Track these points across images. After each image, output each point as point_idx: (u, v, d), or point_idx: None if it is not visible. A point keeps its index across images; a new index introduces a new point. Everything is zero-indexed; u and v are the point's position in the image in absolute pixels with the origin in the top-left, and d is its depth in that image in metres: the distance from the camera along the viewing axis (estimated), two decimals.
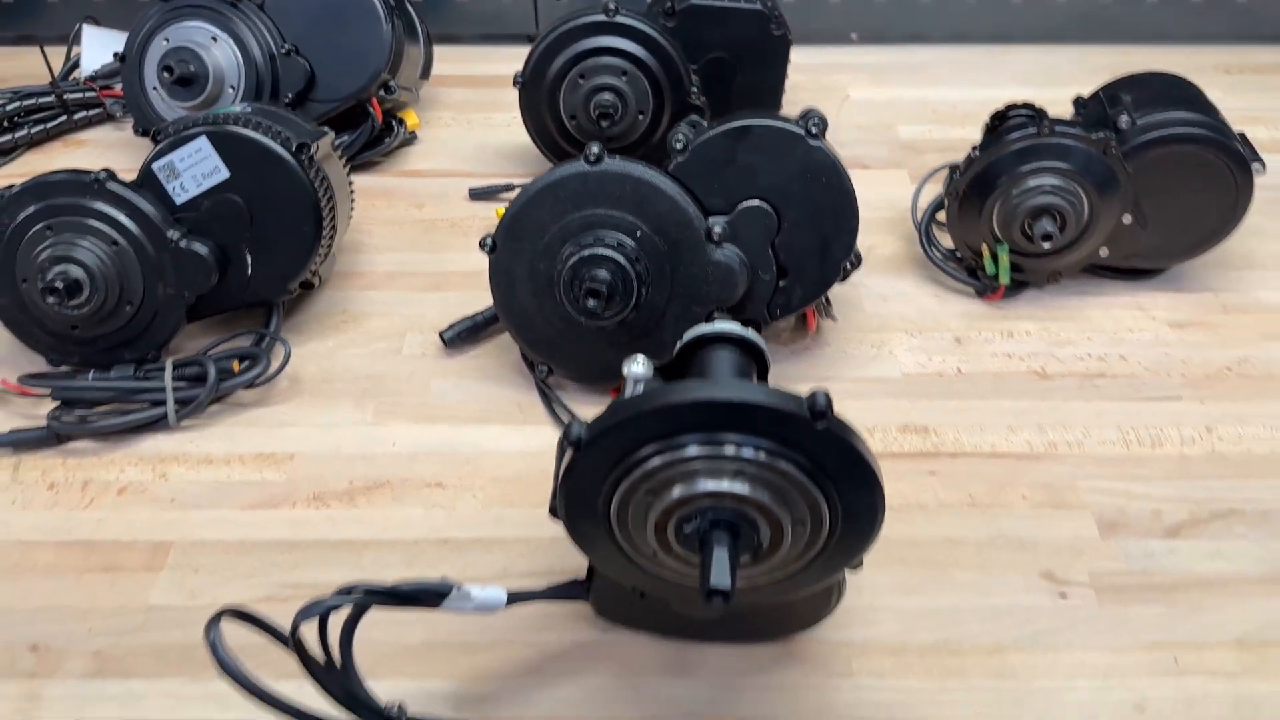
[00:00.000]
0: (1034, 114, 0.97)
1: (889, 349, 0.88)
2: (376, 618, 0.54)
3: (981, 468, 0.78)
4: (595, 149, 0.76)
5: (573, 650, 0.66)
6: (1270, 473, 0.77)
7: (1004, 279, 0.91)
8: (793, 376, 0.85)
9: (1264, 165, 0.86)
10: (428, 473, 0.77)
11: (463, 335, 0.87)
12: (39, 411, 0.81)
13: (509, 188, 1.04)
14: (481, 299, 0.89)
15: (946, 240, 0.95)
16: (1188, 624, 0.67)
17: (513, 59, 1.03)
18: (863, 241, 0.81)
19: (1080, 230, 0.87)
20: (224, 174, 0.80)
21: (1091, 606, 0.68)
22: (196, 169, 0.80)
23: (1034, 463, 0.78)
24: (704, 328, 0.64)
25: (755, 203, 0.78)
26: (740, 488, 0.53)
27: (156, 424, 0.80)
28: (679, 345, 0.64)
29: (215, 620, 0.52)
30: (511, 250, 0.79)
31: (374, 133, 1.05)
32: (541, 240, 0.78)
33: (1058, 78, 1.23)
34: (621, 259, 0.76)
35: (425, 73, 1.14)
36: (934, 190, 0.97)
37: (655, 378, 0.60)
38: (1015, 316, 0.92)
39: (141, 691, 0.64)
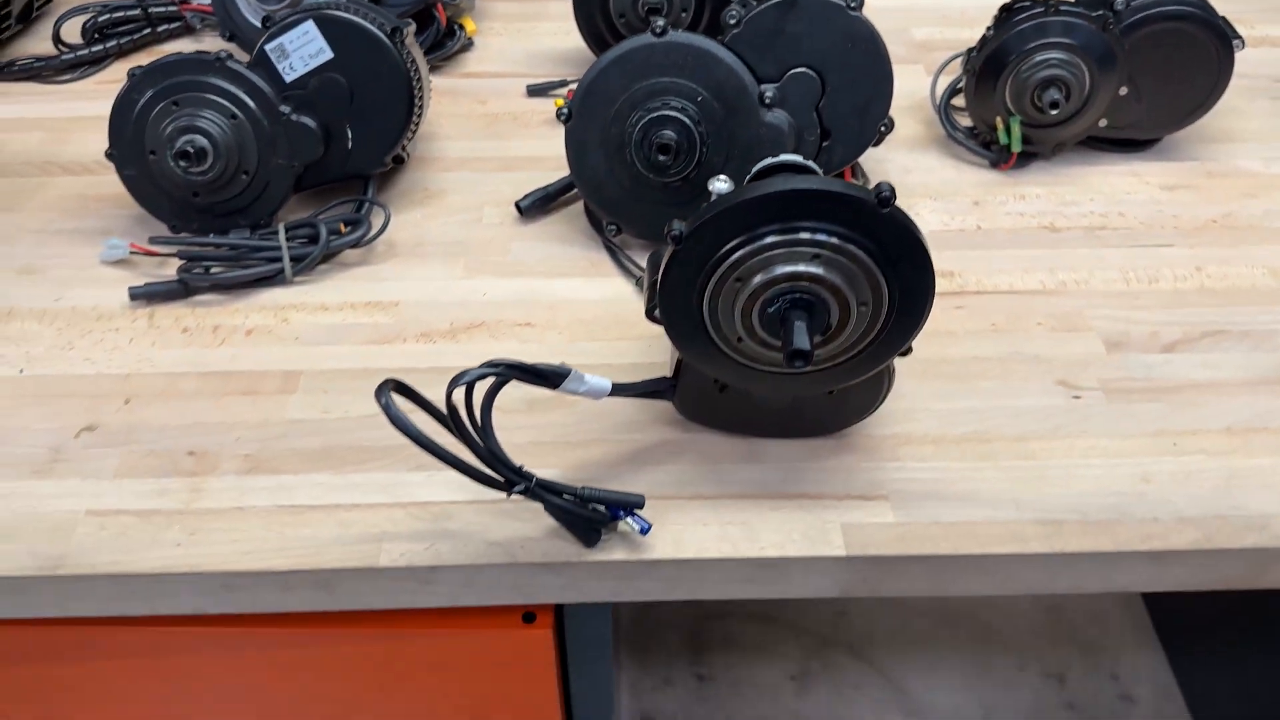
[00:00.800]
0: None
1: (915, 211, 0.99)
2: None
3: (1001, 302, 0.89)
4: (661, 22, 0.87)
5: (660, 444, 0.77)
6: (1250, 301, 0.89)
7: (1015, 148, 1.02)
8: None
9: (1243, 41, 0.98)
10: (516, 316, 0.88)
11: (537, 204, 0.97)
12: (165, 273, 0.91)
13: (564, 83, 1.15)
14: (548, 176, 1.00)
15: (962, 122, 1.06)
16: (1184, 416, 0.79)
17: None
18: None
19: (1083, 101, 0.99)
20: (328, 54, 0.90)
21: (1101, 405, 0.80)
22: (304, 49, 0.90)
23: (1047, 297, 0.90)
24: (769, 160, 0.75)
25: (802, 69, 0.89)
26: (814, 269, 0.64)
27: (274, 279, 0.90)
28: (750, 174, 0.75)
29: (383, 387, 0.62)
30: (585, 118, 0.90)
31: (438, 35, 1.15)
32: (612, 108, 0.89)
33: None
34: (686, 119, 0.87)
35: None
36: (946, 81, 1.08)
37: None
38: (1026, 183, 1.03)
39: (291, 484, 0.75)
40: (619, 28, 1.12)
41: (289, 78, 0.90)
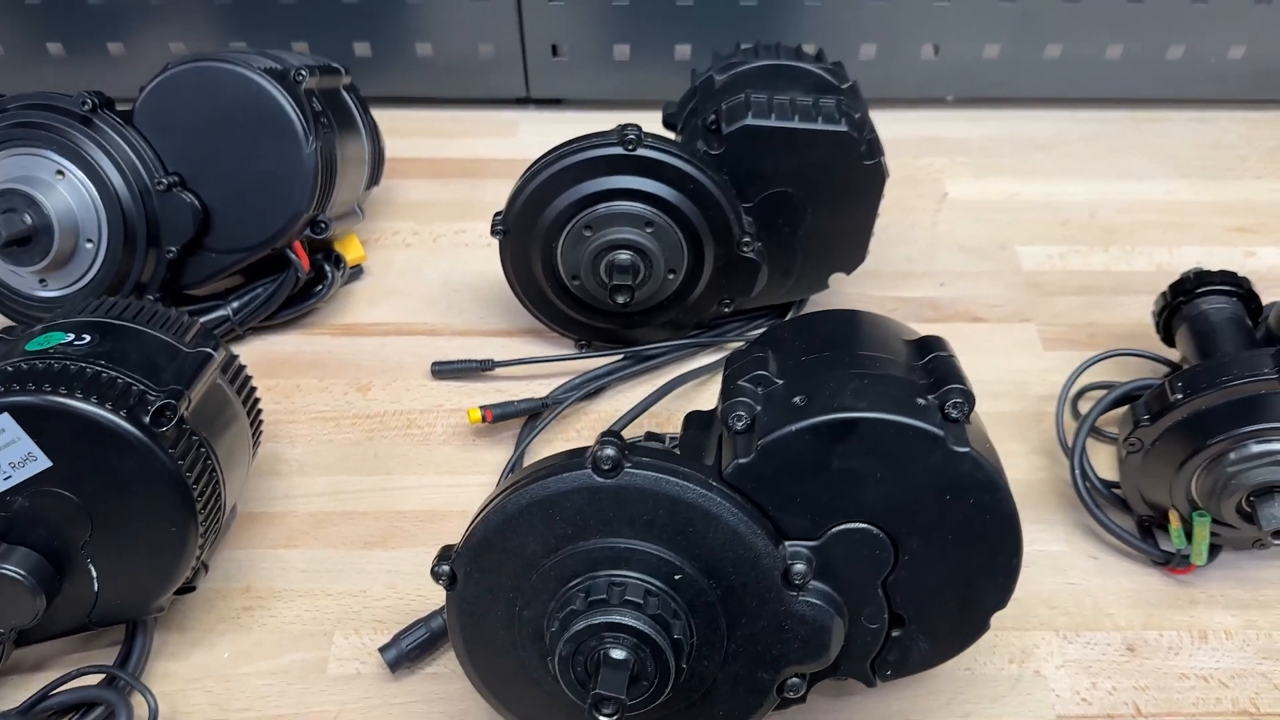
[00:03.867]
0: (1236, 291, 0.70)
1: (1034, 664, 0.63)
2: None
3: None
4: (609, 452, 0.50)
5: None
6: None
7: (1198, 560, 0.64)
8: (896, 713, 0.60)
9: None
10: None
11: (410, 654, 0.61)
12: None
13: (487, 365, 0.77)
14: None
15: (1107, 459, 0.69)
16: None
17: (494, 132, 0.75)
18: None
19: None
20: (43, 463, 0.54)
21: None
22: (1, 456, 0.53)
23: None
24: None
25: (860, 525, 0.52)
26: None
27: None
28: None
29: None
30: (479, 585, 0.53)
31: (299, 284, 0.78)
32: (528, 578, 0.52)
33: (1224, 159, 0.95)
34: (649, 628, 0.50)
35: (374, 179, 0.86)
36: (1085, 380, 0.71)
37: None
38: (1208, 598, 0.66)
39: None
40: (574, 290, 0.75)
41: None
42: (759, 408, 0.53)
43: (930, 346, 0.57)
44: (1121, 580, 0.67)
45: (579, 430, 0.76)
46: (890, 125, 0.98)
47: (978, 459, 0.50)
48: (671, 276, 0.74)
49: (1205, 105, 1.00)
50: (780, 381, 0.55)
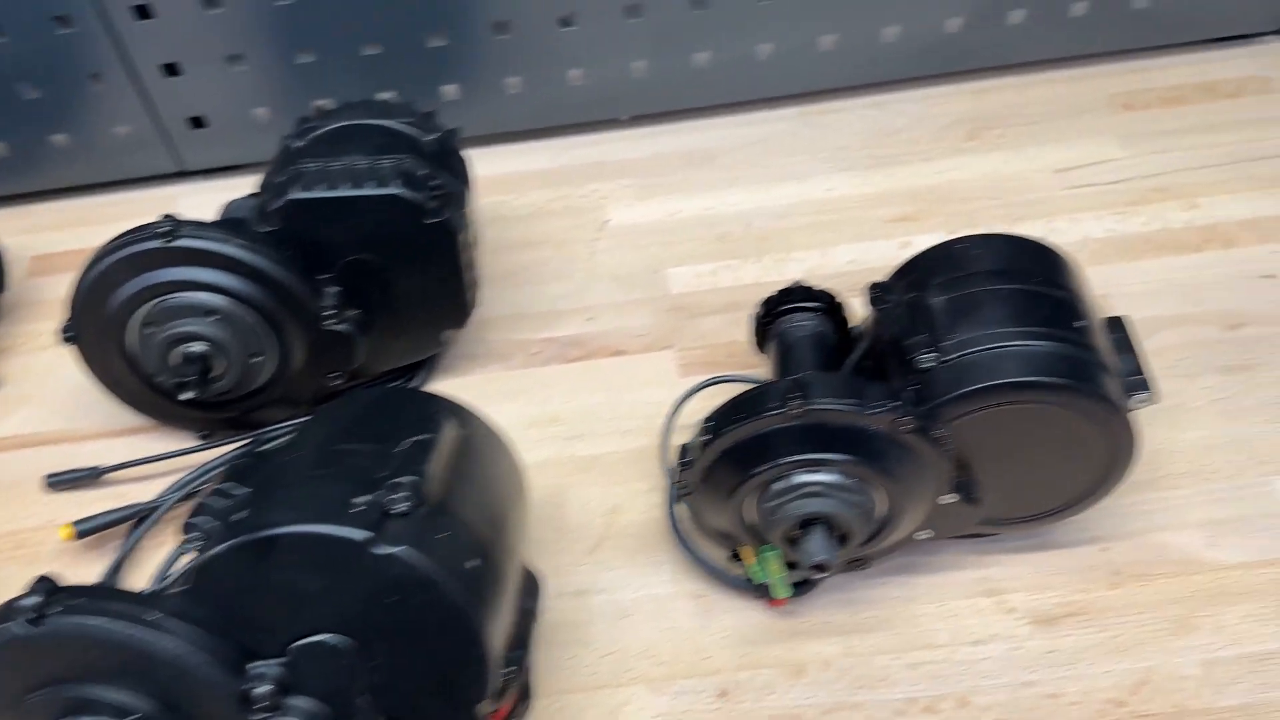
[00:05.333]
0: (821, 306, 0.69)
1: None
2: None
3: None
4: (29, 602, 0.48)
5: None
6: None
7: (780, 593, 0.63)
8: None
9: (1150, 393, 0.58)
10: None
11: None
12: None
13: (94, 473, 0.75)
14: None
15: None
16: None
17: (152, 210, 0.73)
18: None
19: (873, 526, 0.60)
20: None
21: None
22: None
23: None
24: None
25: (320, 638, 0.50)
26: None
27: None
28: None
29: None
30: None
31: None
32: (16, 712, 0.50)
33: (893, 145, 0.94)
34: None
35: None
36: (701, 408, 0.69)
37: None
38: (809, 628, 0.65)
39: None
40: (160, 385, 0.72)
41: None
42: (217, 523, 0.51)
43: (421, 427, 0.55)
44: (724, 619, 0.66)
45: None
46: (558, 153, 0.98)
47: (406, 559, 0.48)
48: (258, 360, 0.72)
49: (877, 89, 0.98)
50: (246, 490, 0.53)
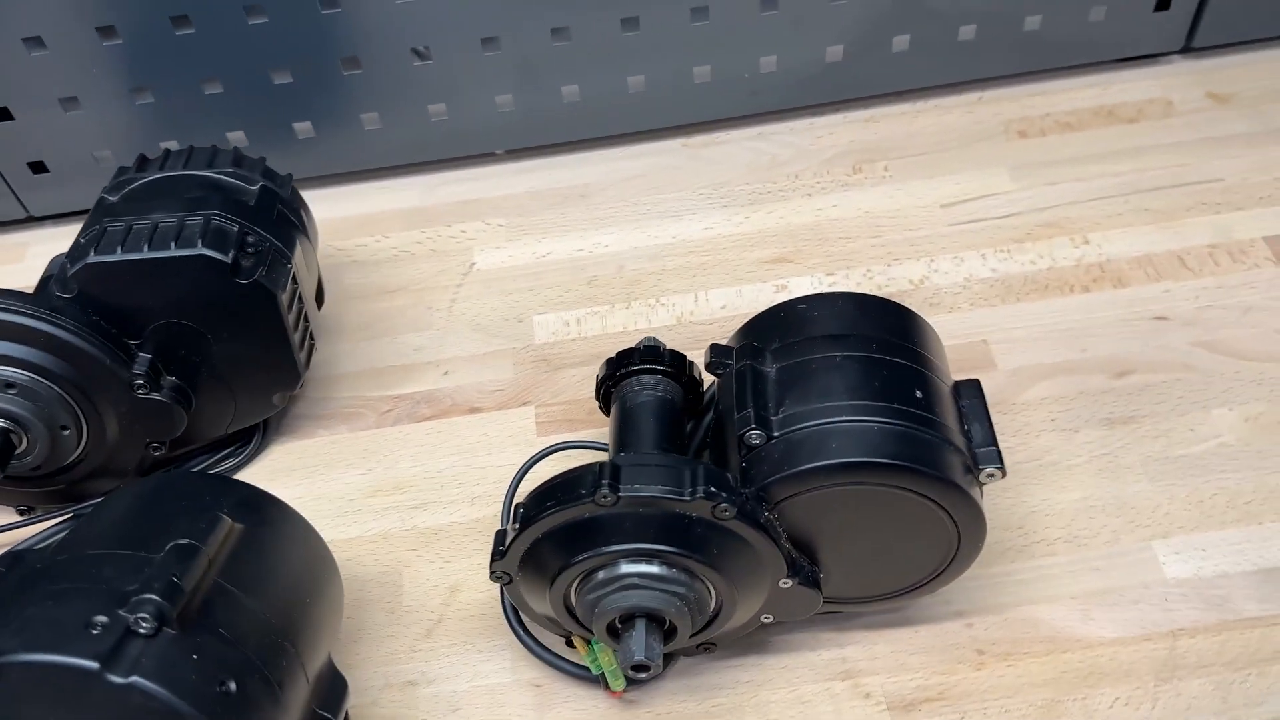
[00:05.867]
0: (666, 369, 0.65)
1: None
2: None
3: None
4: None
5: None
6: None
7: (615, 685, 0.58)
8: None
9: (1001, 471, 0.54)
10: None
11: None
12: None
13: None
14: None
15: None
16: None
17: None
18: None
19: (706, 615, 0.55)
20: None
21: None
22: None
23: None
24: None
25: None
26: None
27: None
28: None
29: None
30: None
31: None
32: None
33: (775, 179, 0.89)
34: None
35: None
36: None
37: None
38: (654, 717, 0.60)
39: None
40: None
41: None
42: None
43: (189, 525, 0.50)
44: (563, 710, 0.61)
45: None
46: (428, 191, 0.93)
47: (142, 689, 0.43)
48: (66, 433, 0.67)
49: (762, 119, 0.94)
50: None
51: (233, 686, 0.46)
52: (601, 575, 0.54)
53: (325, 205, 0.89)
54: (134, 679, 0.43)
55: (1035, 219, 0.84)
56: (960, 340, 0.76)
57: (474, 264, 0.87)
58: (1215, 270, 0.79)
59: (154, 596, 0.45)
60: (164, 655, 0.45)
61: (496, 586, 0.66)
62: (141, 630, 0.45)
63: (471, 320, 0.82)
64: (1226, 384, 0.72)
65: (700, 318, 0.80)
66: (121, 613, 0.45)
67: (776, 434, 0.53)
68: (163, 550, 0.49)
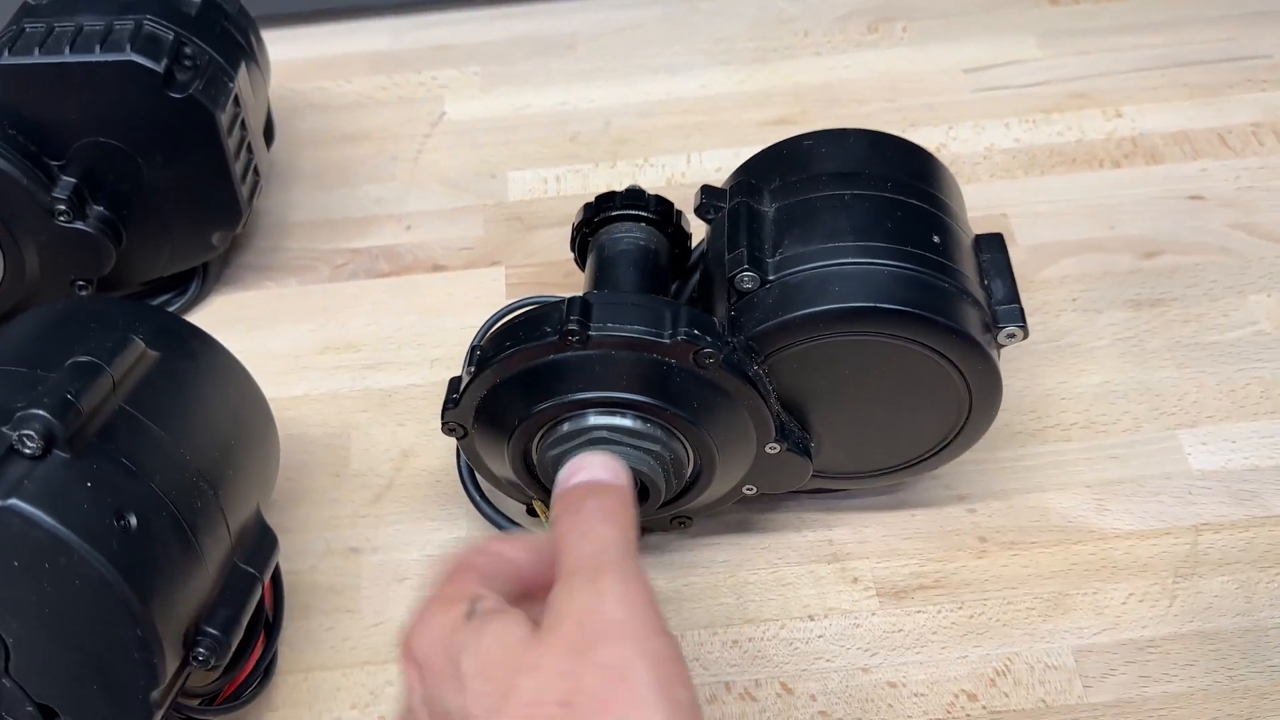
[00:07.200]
0: (651, 215, 0.59)
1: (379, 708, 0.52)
2: None
3: None
4: None
5: None
6: None
7: None
8: None
9: (1023, 330, 0.48)
10: None
11: None
12: None
13: None
14: None
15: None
16: None
17: None
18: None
19: (684, 480, 0.50)
20: None
21: None
22: None
23: None
24: None
25: None
26: None
27: None
28: None
29: None
30: None
31: None
32: None
33: (783, 36, 0.83)
34: None
35: None
36: None
37: None
38: None
39: None
40: None
41: None
42: None
43: (98, 345, 0.45)
44: None
45: None
46: (398, 34, 0.86)
47: (24, 512, 0.38)
48: None
49: None
50: None
51: (133, 521, 0.40)
52: (566, 428, 0.49)
53: (281, 46, 0.81)
54: (11, 501, 0.38)
55: (1064, 89, 0.78)
56: (979, 212, 0.70)
57: (444, 113, 0.80)
58: (1259, 150, 0.73)
59: (43, 413, 0.39)
60: (50, 479, 0.39)
61: (453, 455, 0.61)
62: (26, 450, 0.39)
63: (439, 173, 0.76)
64: (1266, 269, 0.67)
65: (692, 179, 0.74)
66: (4, 429, 0.39)
67: (772, 277, 0.48)
68: (61, 368, 0.43)
